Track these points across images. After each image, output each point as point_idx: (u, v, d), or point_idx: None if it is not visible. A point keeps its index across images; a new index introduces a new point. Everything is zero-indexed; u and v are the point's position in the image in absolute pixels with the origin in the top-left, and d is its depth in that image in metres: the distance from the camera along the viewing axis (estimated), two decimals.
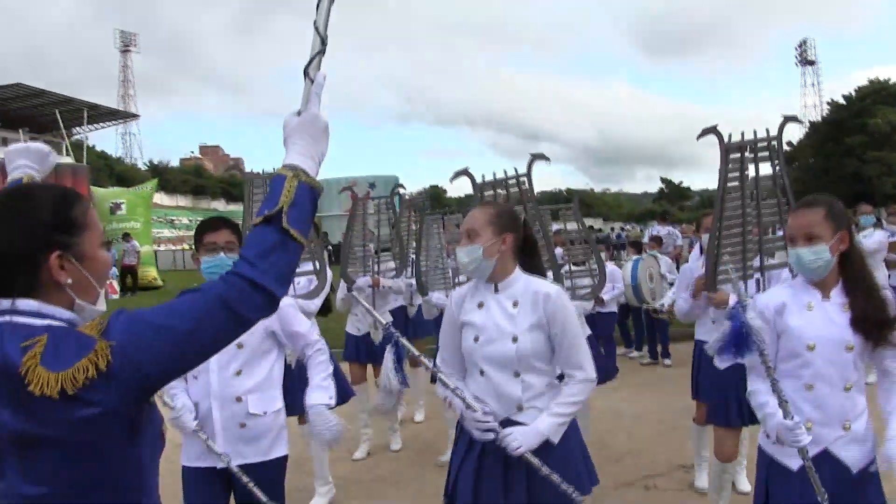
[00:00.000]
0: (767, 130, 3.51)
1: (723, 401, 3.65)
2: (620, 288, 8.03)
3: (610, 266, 8.27)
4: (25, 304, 1.32)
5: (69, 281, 1.35)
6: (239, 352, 2.82)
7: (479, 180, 4.07)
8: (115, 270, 18.98)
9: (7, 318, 1.31)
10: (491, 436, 2.41)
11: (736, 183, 3.50)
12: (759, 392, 2.49)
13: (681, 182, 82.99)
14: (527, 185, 4.10)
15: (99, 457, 1.29)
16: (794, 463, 2.40)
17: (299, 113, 1.47)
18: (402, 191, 6.45)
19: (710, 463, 3.90)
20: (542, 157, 4.19)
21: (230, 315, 1.32)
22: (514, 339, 2.45)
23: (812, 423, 2.39)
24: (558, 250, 4.98)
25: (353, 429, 5.40)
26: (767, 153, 3.50)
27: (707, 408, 3.90)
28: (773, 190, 3.53)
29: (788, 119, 3.58)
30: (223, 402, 2.80)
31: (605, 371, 4.67)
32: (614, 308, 8.13)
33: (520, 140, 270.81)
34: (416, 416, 6.35)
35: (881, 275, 7.36)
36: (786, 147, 51.87)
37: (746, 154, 3.48)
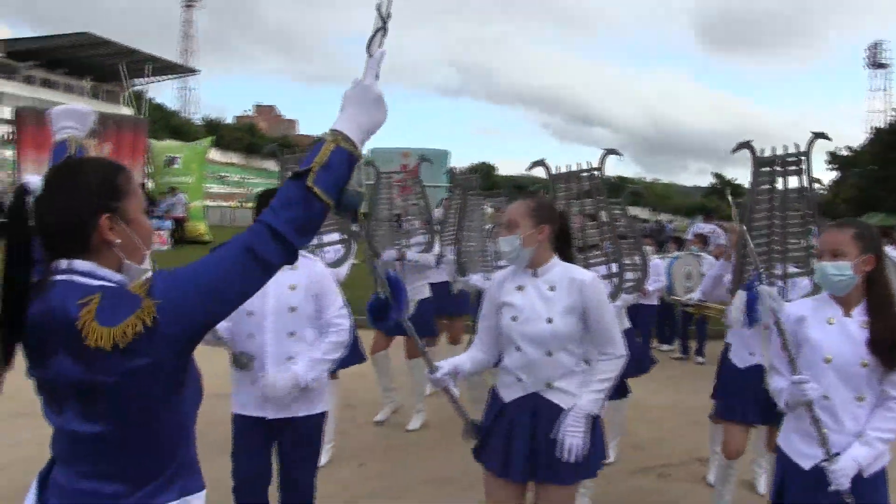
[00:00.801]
0: (797, 146, 3.63)
1: (735, 398, 3.82)
2: (664, 281, 8.13)
3: (655, 260, 8.37)
4: (81, 264, 1.48)
5: (118, 241, 1.51)
6: (292, 315, 3.08)
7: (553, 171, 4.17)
8: (169, 222, 19.57)
9: (66, 276, 1.47)
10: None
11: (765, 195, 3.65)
12: (776, 382, 2.66)
13: (734, 178, 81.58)
14: (599, 178, 4.20)
15: (146, 403, 1.46)
16: (807, 463, 2.56)
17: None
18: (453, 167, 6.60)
19: (719, 458, 4.04)
20: (614, 151, 4.31)
21: (254, 260, 1.45)
22: (549, 321, 2.67)
23: (827, 430, 2.54)
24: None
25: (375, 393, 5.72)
26: (796, 167, 3.62)
27: (719, 404, 4.04)
28: (800, 202, 3.65)
29: (817, 136, 3.69)
30: (277, 360, 3.07)
31: (640, 363, 4.79)
32: (656, 301, 8.26)
33: (571, 122, 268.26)
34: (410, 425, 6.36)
35: None
36: (845, 152, 50.59)
37: (776, 168, 3.61)
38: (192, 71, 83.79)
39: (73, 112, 2.39)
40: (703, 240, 9.30)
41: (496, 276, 2.93)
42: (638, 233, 5.09)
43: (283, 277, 3.09)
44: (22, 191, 1.50)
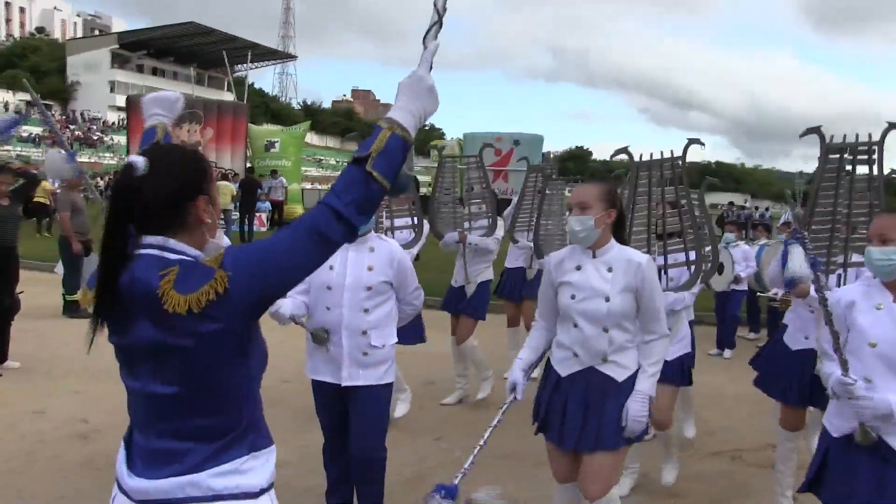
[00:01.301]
0: (870, 135, 3.60)
1: (781, 377, 3.92)
2: (755, 267, 8.06)
3: (744, 246, 8.29)
4: (157, 240, 1.61)
5: (207, 220, 1.66)
6: (367, 293, 3.34)
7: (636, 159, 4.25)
8: (267, 204, 20.36)
9: (148, 250, 1.61)
10: None
11: (832, 182, 3.65)
12: (827, 367, 2.73)
13: None
14: (680, 167, 4.27)
15: (216, 365, 1.59)
16: (849, 441, 2.63)
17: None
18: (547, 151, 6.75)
19: (779, 433, 4.06)
20: (697, 141, 4.36)
21: (319, 238, 1.56)
22: (607, 299, 2.84)
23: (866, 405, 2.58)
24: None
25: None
26: (867, 156, 3.59)
27: (761, 378, 4.09)
28: (867, 192, 3.63)
29: (892, 126, 3.64)
30: (351, 333, 3.35)
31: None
32: (745, 287, 8.20)
33: (671, 107, 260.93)
34: (534, 373, 6.57)
35: None
36: None
37: (846, 156, 3.59)
38: (290, 57, 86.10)
39: (163, 100, 2.58)
40: (791, 228, 9.07)
41: (551, 258, 3.09)
42: (712, 226, 5.11)
43: (363, 258, 3.38)
44: (130, 168, 1.63)
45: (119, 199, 1.63)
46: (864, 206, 3.63)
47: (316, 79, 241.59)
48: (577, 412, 2.89)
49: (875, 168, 3.63)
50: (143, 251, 1.61)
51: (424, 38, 1.71)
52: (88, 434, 4.83)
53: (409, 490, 4.13)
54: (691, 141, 4.32)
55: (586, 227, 2.86)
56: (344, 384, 3.37)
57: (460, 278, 5.82)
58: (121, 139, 57.76)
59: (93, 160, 49.29)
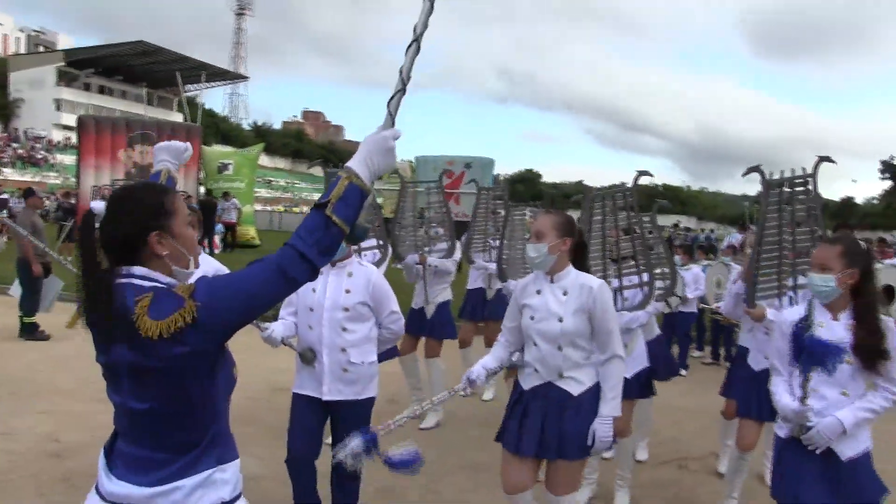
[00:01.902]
0: (804, 169, 4.00)
1: (752, 397, 4.18)
2: (703, 290, 8.46)
3: (696, 269, 8.69)
4: (137, 270, 1.82)
5: (166, 252, 1.85)
6: (345, 314, 3.58)
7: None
8: (220, 226, 20.34)
9: (127, 279, 1.80)
10: None
11: (775, 213, 4.02)
12: (777, 386, 3.07)
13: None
14: (632, 197, 4.56)
15: (187, 384, 1.77)
16: (797, 444, 2.96)
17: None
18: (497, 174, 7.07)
19: (732, 450, 4.40)
20: (646, 173, 4.64)
21: (283, 277, 1.73)
22: (560, 320, 3.13)
23: (815, 417, 2.91)
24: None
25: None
26: (803, 188, 3.97)
27: (736, 403, 4.40)
28: (808, 220, 4.00)
29: (823, 159, 4.05)
30: (331, 350, 3.58)
31: (669, 368, 5.16)
32: (695, 308, 8.58)
33: (618, 129, 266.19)
34: (485, 395, 6.83)
35: None
36: None
37: (785, 189, 3.97)
38: (242, 77, 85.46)
39: (173, 148, 2.82)
40: (734, 250, 9.59)
41: (519, 282, 3.42)
42: (667, 246, 5.47)
43: (342, 281, 3.63)
44: (90, 214, 1.90)
45: (83, 239, 1.85)
46: (807, 232, 3.99)
47: (267, 99, 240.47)
48: (536, 421, 3.17)
49: (812, 198, 4.00)
50: (121, 280, 1.80)
51: (389, 102, 1.86)
52: (62, 453, 4.90)
53: (381, 498, 4.36)
54: (641, 173, 4.66)
55: (541, 254, 3.17)
56: (325, 398, 3.60)
57: (420, 300, 6.06)
58: (65, 158, 56.70)
59: (37, 179, 48.26)
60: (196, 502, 1.80)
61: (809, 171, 4.01)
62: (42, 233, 8.54)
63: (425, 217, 6.49)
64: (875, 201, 64.43)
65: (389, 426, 3.14)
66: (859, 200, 79.09)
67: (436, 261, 6.03)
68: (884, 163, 51.20)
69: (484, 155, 31.24)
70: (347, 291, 3.62)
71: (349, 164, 1.81)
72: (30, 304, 8.41)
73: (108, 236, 1.84)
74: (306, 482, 3.71)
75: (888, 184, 52.76)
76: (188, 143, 2.88)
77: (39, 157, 56.31)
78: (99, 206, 1.90)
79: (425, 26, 1.89)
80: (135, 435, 1.82)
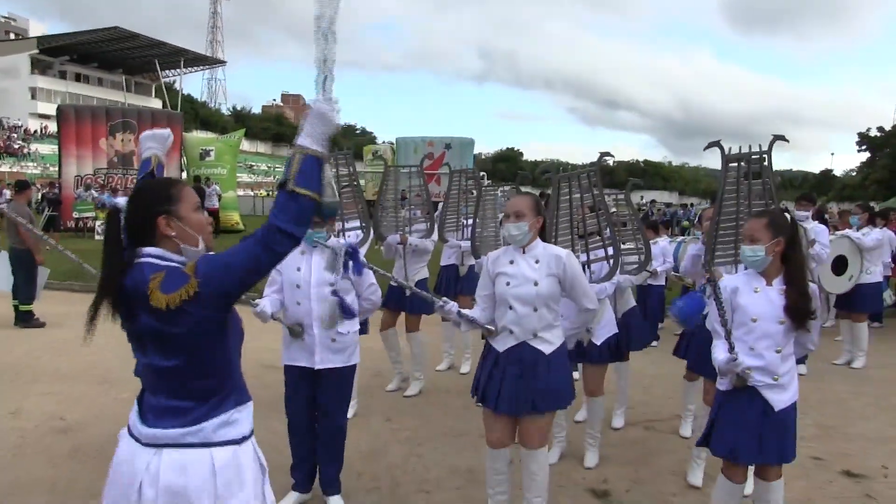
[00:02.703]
0: (760, 146, 4.33)
1: (708, 356, 4.56)
2: (671, 262, 8.84)
3: (662, 243, 9.05)
4: (153, 250, 2.13)
5: (173, 233, 2.15)
6: (331, 288, 3.90)
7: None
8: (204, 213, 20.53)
9: (146, 259, 2.12)
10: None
11: (733, 186, 4.36)
12: (716, 346, 3.44)
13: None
14: (597, 177, 4.89)
15: (202, 343, 2.08)
16: (736, 396, 3.36)
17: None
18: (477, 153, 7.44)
19: (698, 409, 4.76)
20: (608, 154, 4.99)
21: (269, 251, 2.00)
22: (536, 284, 3.52)
23: (752, 371, 3.30)
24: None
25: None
26: (759, 164, 4.31)
27: (698, 363, 4.78)
28: (763, 193, 4.36)
29: (777, 137, 4.38)
30: (320, 321, 3.89)
31: (642, 338, 5.53)
32: (663, 281, 8.96)
33: (598, 106, 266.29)
34: (462, 368, 7.23)
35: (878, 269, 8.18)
36: (875, 132, 49.98)
37: (742, 163, 4.31)
38: (219, 62, 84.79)
39: (157, 136, 3.13)
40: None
41: (490, 255, 3.77)
42: (640, 222, 5.85)
43: (324, 261, 3.94)
44: (116, 208, 2.24)
45: (109, 227, 2.20)
46: (762, 205, 4.34)
47: (245, 83, 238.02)
48: (512, 382, 3.53)
49: (767, 173, 4.34)
50: (142, 259, 2.13)
51: (322, 82, 2.06)
52: (68, 429, 5.23)
53: (366, 460, 4.73)
54: (603, 154, 5.01)
55: (522, 232, 3.56)
56: (317, 367, 3.95)
57: (399, 277, 6.40)
58: (42, 147, 56.24)
59: (15, 169, 47.96)
60: (221, 437, 2.13)
61: (765, 148, 4.34)
62: (35, 224, 8.80)
63: (406, 199, 6.82)
64: (853, 173, 65.26)
65: None
66: (838, 172, 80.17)
67: (416, 240, 6.37)
68: (860, 135, 51.73)
69: (464, 135, 31.55)
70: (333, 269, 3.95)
71: (297, 141, 2.05)
72: (27, 292, 8.69)
73: (127, 222, 2.18)
74: (308, 445, 4.08)
75: (865, 156, 53.34)
76: (169, 130, 3.19)
77: (16, 146, 55.82)
78: (121, 201, 2.25)
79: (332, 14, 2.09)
80: (163, 388, 2.13)
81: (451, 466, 4.68)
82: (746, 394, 3.32)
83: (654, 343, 8.81)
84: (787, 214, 3.50)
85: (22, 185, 9.35)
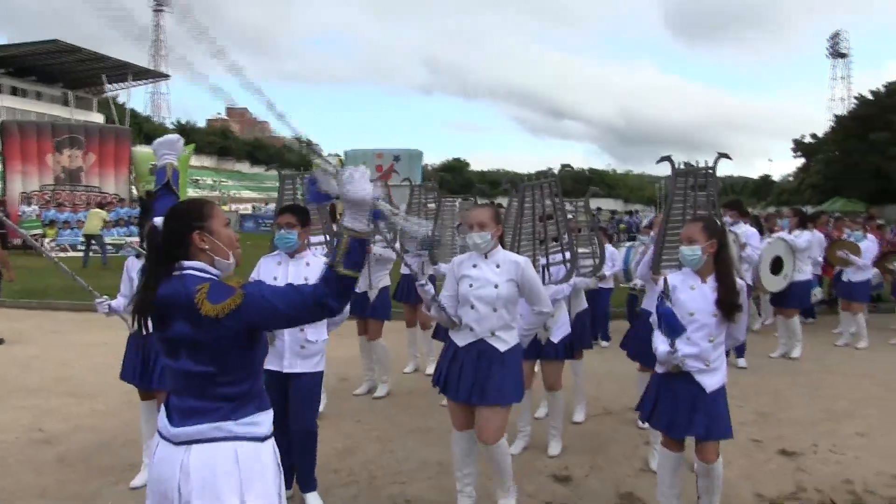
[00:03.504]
0: (707, 162, 4.81)
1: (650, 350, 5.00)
2: (619, 266, 9.32)
3: (609, 248, 9.54)
4: (193, 263, 2.35)
5: (206, 247, 2.39)
6: None
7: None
8: None
9: (186, 271, 2.33)
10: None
11: (680, 197, 4.82)
12: (656, 337, 3.84)
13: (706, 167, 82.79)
14: (556, 186, 5.28)
15: (231, 352, 2.29)
16: (672, 380, 3.77)
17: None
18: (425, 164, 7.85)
19: None
20: (568, 166, 5.40)
21: (309, 314, 2.29)
22: (496, 286, 3.88)
23: (686, 358, 3.70)
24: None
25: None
26: (704, 178, 4.77)
27: (632, 354, 5.23)
28: (707, 204, 4.81)
29: (721, 155, 4.88)
30: (291, 330, 4.18)
31: (587, 338, 5.94)
32: (611, 284, 9.45)
33: (544, 116, 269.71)
34: (427, 370, 7.46)
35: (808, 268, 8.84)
36: (809, 139, 51.82)
37: (689, 177, 4.77)
38: (163, 76, 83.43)
39: (169, 142, 3.38)
40: (649, 229, 10.47)
41: (455, 259, 4.15)
42: (596, 228, 6.29)
43: (300, 270, 4.25)
44: (153, 228, 2.49)
45: (151, 242, 2.46)
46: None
47: (188, 97, 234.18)
48: (469, 373, 3.90)
49: (712, 187, 4.82)
50: (183, 272, 2.37)
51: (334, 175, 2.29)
52: (49, 440, 5.37)
53: (341, 458, 5.02)
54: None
55: (485, 241, 3.93)
56: (285, 371, 4.19)
57: (363, 285, 6.69)
58: None
59: None
60: (244, 433, 2.35)
61: (711, 164, 4.82)
62: None
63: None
64: (790, 178, 67.52)
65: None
66: (776, 178, 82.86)
67: (379, 249, 6.68)
68: (796, 141, 53.68)
69: (411, 146, 31.88)
70: (306, 279, 4.23)
71: (343, 222, 2.30)
72: None
73: (164, 238, 2.42)
74: (282, 445, 4.30)
75: (801, 161, 55.35)
76: (178, 135, 3.44)
77: None
78: (159, 220, 2.50)
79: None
80: (191, 391, 2.33)
81: (422, 459, 5.00)
82: (682, 377, 3.74)
83: (605, 343, 9.29)
84: (717, 220, 3.94)
85: None
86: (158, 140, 3.43)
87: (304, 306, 2.26)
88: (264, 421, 2.43)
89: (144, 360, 4.39)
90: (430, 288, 3.99)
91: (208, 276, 2.35)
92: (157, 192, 3.40)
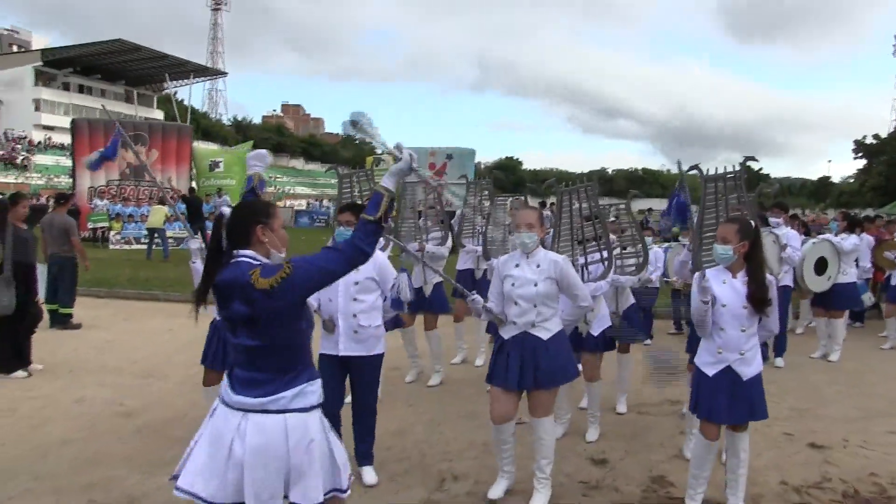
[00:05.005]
0: (734, 166, 5.03)
1: None
2: (661, 268, 9.56)
3: (656, 249, 9.76)
4: (247, 252, 2.72)
5: (266, 240, 2.77)
6: (356, 287, 4.54)
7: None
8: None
9: (243, 258, 2.69)
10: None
11: (712, 201, 5.08)
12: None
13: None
14: (593, 191, 5.60)
15: (284, 327, 2.64)
16: (711, 371, 4.06)
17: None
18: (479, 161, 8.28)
19: None
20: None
21: (349, 263, 2.63)
22: (535, 284, 4.22)
23: (721, 349, 4.01)
24: (612, 236, 6.46)
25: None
26: (734, 182, 5.01)
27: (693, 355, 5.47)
28: (739, 206, 5.06)
29: (748, 159, 5.12)
30: (345, 316, 4.55)
31: (637, 333, 6.21)
32: (657, 284, 9.68)
33: (597, 115, 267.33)
34: (476, 361, 7.92)
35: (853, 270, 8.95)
36: (872, 140, 50.49)
37: (719, 182, 5.02)
38: (221, 73, 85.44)
39: (260, 155, 3.88)
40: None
41: (500, 259, 4.52)
42: (640, 229, 6.57)
43: None
44: (221, 215, 2.94)
45: (216, 231, 2.87)
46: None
47: (244, 94, 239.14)
48: (516, 362, 4.25)
49: (742, 189, 5.05)
50: (239, 259, 2.76)
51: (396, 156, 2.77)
52: (130, 413, 5.93)
53: (395, 438, 5.42)
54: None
55: (533, 241, 4.30)
56: (341, 354, 4.56)
57: (419, 281, 7.09)
58: (45, 159, 56.86)
59: (19, 181, 48.65)
60: (294, 405, 2.70)
61: (738, 169, 5.07)
62: (77, 232, 9.59)
63: (423, 211, 7.55)
64: (850, 180, 65.99)
65: None
66: (836, 179, 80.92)
67: (432, 247, 7.08)
68: (857, 142, 52.42)
69: (464, 145, 32.28)
70: (357, 269, 4.62)
71: (384, 183, 2.71)
72: (69, 297, 9.49)
73: (231, 228, 2.82)
74: (337, 421, 4.72)
75: (862, 163, 54.02)
76: (267, 151, 3.94)
77: (21, 158, 56.44)
78: (227, 210, 2.93)
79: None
80: (249, 363, 2.69)
81: (469, 441, 5.38)
82: (721, 370, 4.03)
83: (648, 342, 9.52)
84: (751, 222, 4.22)
85: (62, 197, 10.08)
86: (250, 153, 3.97)
87: (342, 255, 2.63)
88: (312, 391, 2.75)
89: (224, 348, 4.82)
90: (478, 298, 4.35)
91: (258, 262, 2.70)
92: (243, 195, 3.92)
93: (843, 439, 5.57)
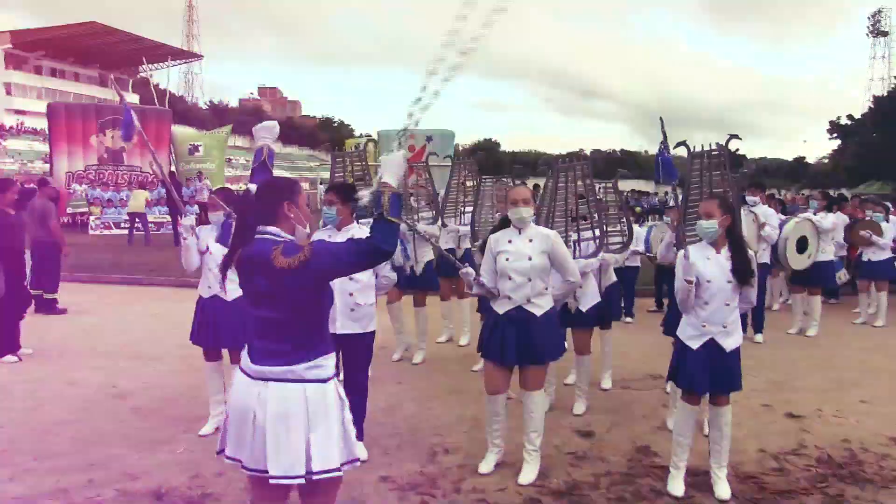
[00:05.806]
0: (719, 144, 5.19)
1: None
2: (641, 247, 9.76)
3: (636, 228, 9.96)
4: (273, 229, 2.80)
5: (291, 215, 2.85)
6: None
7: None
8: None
9: (266, 235, 2.79)
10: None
11: (697, 178, 5.24)
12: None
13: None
14: (588, 168, 5.80)
15: (303, 302, 2.71)
16: (695, 344, 4.22)
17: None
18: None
19: None
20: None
21: (367, 259, 2.76)
22: (529, 258, 4.37)
23: (706, 324, 4.17)
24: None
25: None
26: (717, 158, 5.16)
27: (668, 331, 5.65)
28: (721, 182, 5.22)
29: (732, 136, 5.28)
30: (342, 294, 4.64)
31: (613, 312, 6.37)
32: (638, 263, 9.90)
33: (575, 96, 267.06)
34: (461, 340, 8.06)
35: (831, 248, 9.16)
36: (846, 121, 50.82)
37: (704, 159, 5.17)
38: (196, 56, 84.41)
39: (267, 127, 3.91)
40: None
41: (492, 237, 4.63)
42: (625, 208, 6.74)
43: None
44: (248, 191, 3.05)
45: (244, 207, 2.97)
46: (720, 192, 5.18)
47: (221, 77, 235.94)
48: (511, 337, 4.38)
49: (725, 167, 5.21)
50: (262, 235, 2.86)
51: (398, 135, 2.87)
52: (124, 394, 6.02)
53: (386, 414, 5.57)
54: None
55: (530, 216, 4.45)
56: (337, 332, 4.63)
57: (407, 259, 7.21)
58: (18, 144, 55.88)
59: None
60: (311, 376, 2.81)
61: (723, 146, 5.23)
62: (56, 216, 9.55)
63: (414, 192, 7.66)
64: (825, 161, 66.64)
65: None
66: (811, 160, 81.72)
67: (424, 227, 7.20)
68: (832, 123, 52.71)
69: (443, 127, 32.21)
70: None
71: (384, 179, 2.79)
72: (53, 282, 9.48)
73: (258, 203, 2.92)
74: None
75: (836, 143, 54.48)
76: (275, 121, 3.97)
77: None
78: (253, 187, 3.02)
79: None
80: (269, 334, 2.78)
81: (458, 416, 5.54)
82: (702, 341, 4.20)
83: (629, 319, 9.73)
84: (728, 197, 4.38)
85: (42, 183, 10.05)
86: (258, 126, 3.99)
87: (363, 252, 2.72)
88: (328, 364, 2.85)
89: (214, 324, 4.95)
90: (470, 271, 4.49)
91: (282, 239, 2.79)
92: (253, 168, 3.97)
93: (817, 409, 5.79)
